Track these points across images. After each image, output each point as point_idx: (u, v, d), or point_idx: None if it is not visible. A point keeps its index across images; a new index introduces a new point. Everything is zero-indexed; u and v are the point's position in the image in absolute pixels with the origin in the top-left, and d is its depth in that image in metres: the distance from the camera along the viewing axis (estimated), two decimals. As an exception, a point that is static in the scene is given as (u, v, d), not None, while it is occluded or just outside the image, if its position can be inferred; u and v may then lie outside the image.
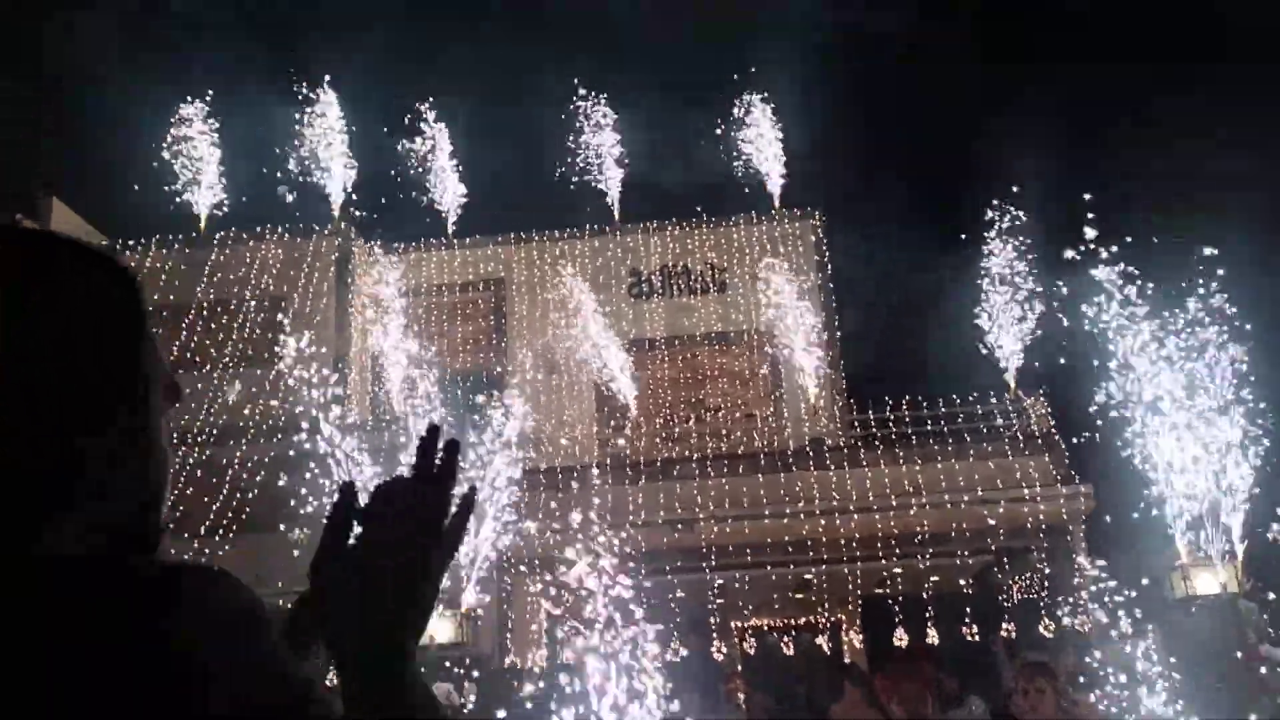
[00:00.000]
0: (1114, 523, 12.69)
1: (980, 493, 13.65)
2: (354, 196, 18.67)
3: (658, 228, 19.76)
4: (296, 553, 12.66)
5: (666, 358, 19.11)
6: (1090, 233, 10.84)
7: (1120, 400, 11.16)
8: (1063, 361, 13.52)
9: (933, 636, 13.38)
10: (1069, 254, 10.63)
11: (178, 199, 18.52)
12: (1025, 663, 6.18)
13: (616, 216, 20.08)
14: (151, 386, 0.98)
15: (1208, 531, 10.20)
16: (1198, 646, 9.51)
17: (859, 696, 10.95)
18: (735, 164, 19.95)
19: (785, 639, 16.94)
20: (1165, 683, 8.33)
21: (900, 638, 13.47)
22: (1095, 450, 12.17)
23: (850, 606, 17.19)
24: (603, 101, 20.39)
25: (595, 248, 19.72)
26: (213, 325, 16.88)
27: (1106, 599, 10.62)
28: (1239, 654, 8.74)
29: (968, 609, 13.62)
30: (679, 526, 14.11)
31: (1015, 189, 16.19)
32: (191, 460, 14.87)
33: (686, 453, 16.15)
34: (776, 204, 19.66)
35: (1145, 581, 11.16)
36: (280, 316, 16.33)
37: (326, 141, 18.56)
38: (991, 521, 13.50)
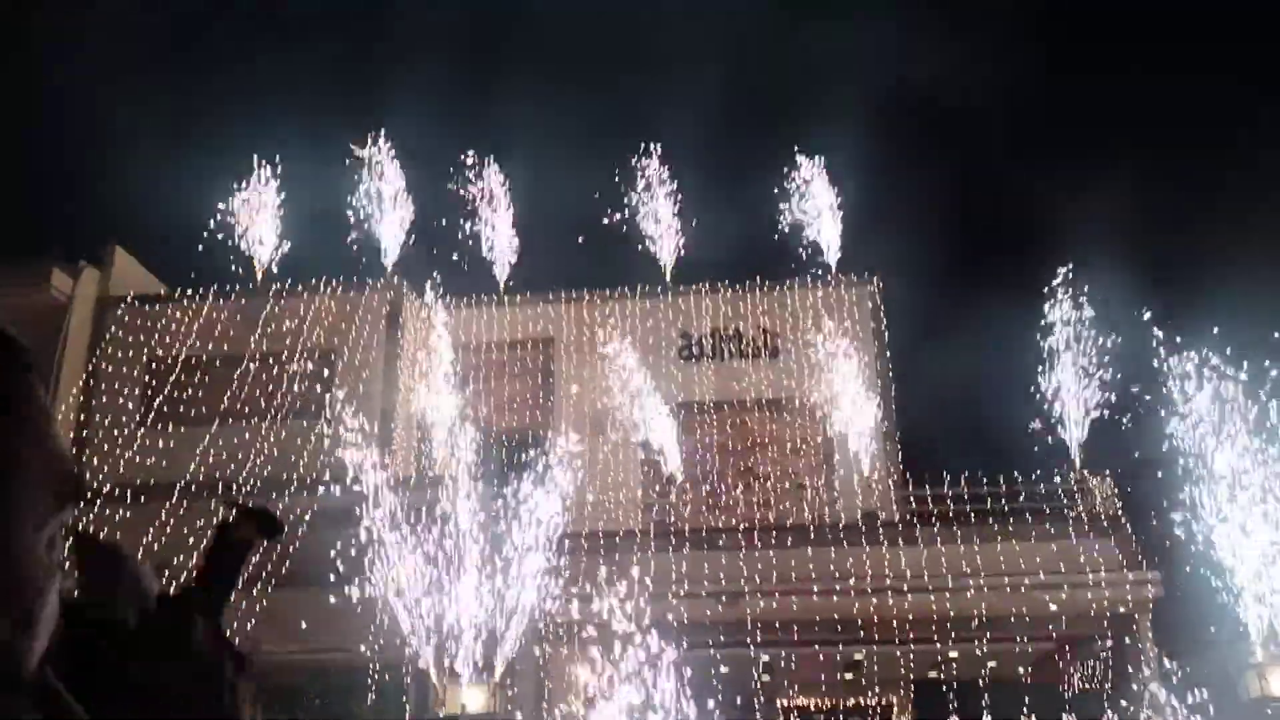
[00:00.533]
0: (1183, 615, 12.05)
1: (1042, 576, 13.01)
2: (407, 249, 18.72)
3: (710, 290, 19.51)
4: (335, 608, 12.45)
5: (715, 423, 18.75)
6: (1163, 301, 10.40)
7: (1193, 485, 10.63)
8: (1135, 452, 13.00)
9: (989, 727, 12.74)
10: (1155, 333, 10.15)
11: (236, 248, 18.70)
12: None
13: (668, 277, 19.89)
14: (17, 476, 0.76)
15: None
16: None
17: None
18: (791, 227, 19.71)
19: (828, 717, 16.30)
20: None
21: (954, 727, 12.84)
22: (1165, 537, 11.59)
23: (902, 690, 16.50)
24: (657, 159, 20.31)
25: (645, 308, 19.50)
26: (263, 376, 16.88)
27: (1175, 696, 10.02)
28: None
29: (1026, 698, 12.94)
30: (723, 599, 13.66)
31: (1084, 259, 15.75)
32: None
33: (733, 522, 15.72)
34: (833, 268, 19.33)
35: (1213, 677, 10.52)
36: (329, 370, 16.31)
37: (381, 194, 18.69)
38: (1053, 607, 12.86)
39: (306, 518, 13.94)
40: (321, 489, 14.22)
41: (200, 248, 18.53)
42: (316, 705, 10.90)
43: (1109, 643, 13.05)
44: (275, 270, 18.75)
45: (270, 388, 16.65)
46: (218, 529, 0.96)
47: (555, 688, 13.72)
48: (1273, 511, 9.88)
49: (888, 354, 18.53)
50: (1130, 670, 12.76)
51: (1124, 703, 12.49)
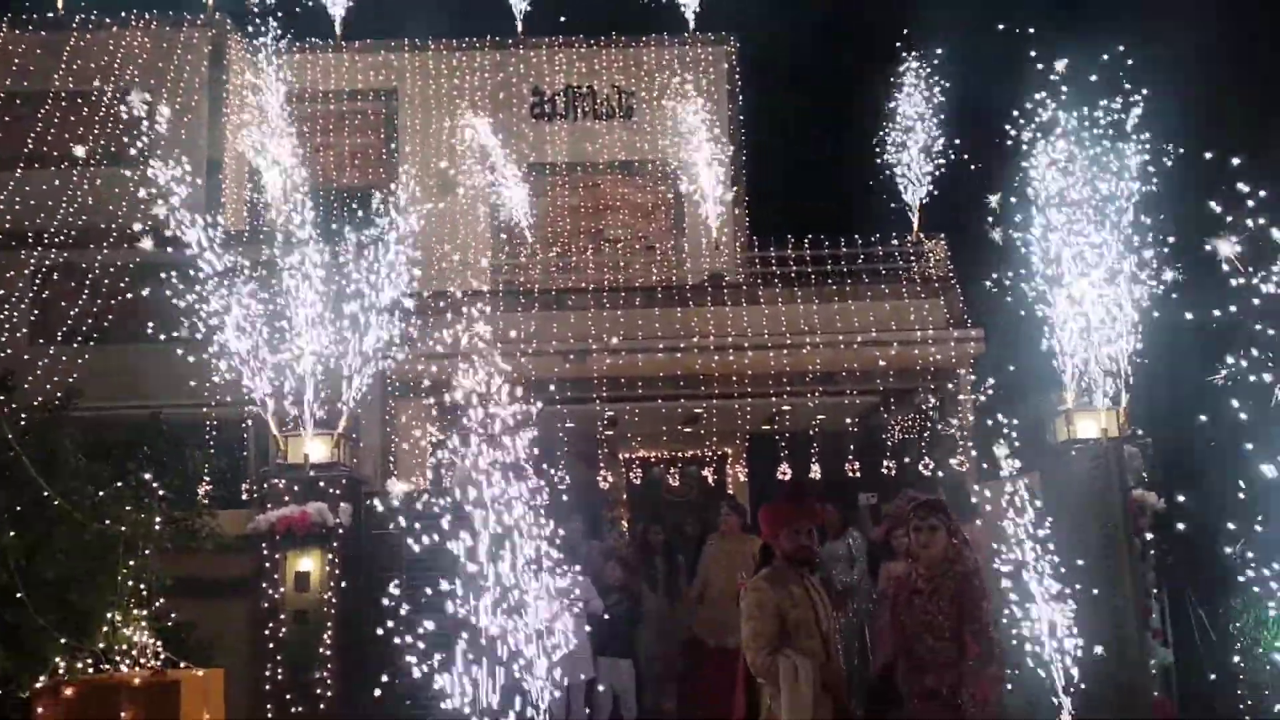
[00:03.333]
0: (1005, 368, 12.76)
1: (874, 334, 13.61)
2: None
3: (563, 44, 18.68)
4: (166, 362, 11.94)
5: (567, 184, 18.40)
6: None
7: (1020, 240, 10.96)
8: (969, 214, 13.32)
9: (815, 472, 13.52)
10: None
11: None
12: (919, 501, 6.04)
13: (520, 29, 18.89)
14: None
15: (1093, 376, 10.21)
16: (1074, 489, 9.69)
17: (735, 523, 10.98)
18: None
19: (671, 470, 17.05)
20: (1040, 524, 8.36)
21: (784, 472, 13.57)
22: (994, 295, 12.09)
23: (738, 442, 17.32)
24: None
25: (496, 61, 18.59)
26: (71, 117, 15.43)
27: (988, 441, 10.70)
28: (1117, 495, 8.91)
29: (851, 447, 13.76)
30: (570, 356, 13.77)
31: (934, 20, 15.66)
32: (48, 264, 13.78)
33: (583, 283, 15.68)
34: (691, 27, 18.72)
35: (1023, 425, 11.26)
36: (146, 110, 14.96)
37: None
38: (882, 363, 13.52)
39: (129, 269, 13.16)
40: (144, 241, 13.37)
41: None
42: (149, 457, 10.55)
43: (931, 395, 13.88)
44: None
45: (80, 130, 15.26)
46: None
47: (401, 441, 13.79)
48: (1088, 265, 10.28)
49: (741, 117, 18.34)
50: (948, 420, 13.68)
51: (940, 449, 13.44)
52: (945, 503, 6.01)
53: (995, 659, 5.15)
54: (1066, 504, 9.41)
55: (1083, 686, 6.62)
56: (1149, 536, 9.34)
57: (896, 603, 5.66)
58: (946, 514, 5.61)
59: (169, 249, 11.89)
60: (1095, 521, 9.06)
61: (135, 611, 6.86)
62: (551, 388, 12.25)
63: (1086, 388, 10.16)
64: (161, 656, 7.00)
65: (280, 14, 16.10)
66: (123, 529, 6.96)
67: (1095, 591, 8.08)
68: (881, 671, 5.82)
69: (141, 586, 6.97)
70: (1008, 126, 10.72)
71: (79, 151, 14.46)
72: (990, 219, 11.04)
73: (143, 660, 6.86)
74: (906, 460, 13.72)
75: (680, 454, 17.58)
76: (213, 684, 6.94)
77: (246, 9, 15.90)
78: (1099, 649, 6.91)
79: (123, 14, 16.15)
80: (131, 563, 6.94)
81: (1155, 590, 9.21)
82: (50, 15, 16.46)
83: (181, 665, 6.99)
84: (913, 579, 5.55)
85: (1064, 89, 10.27)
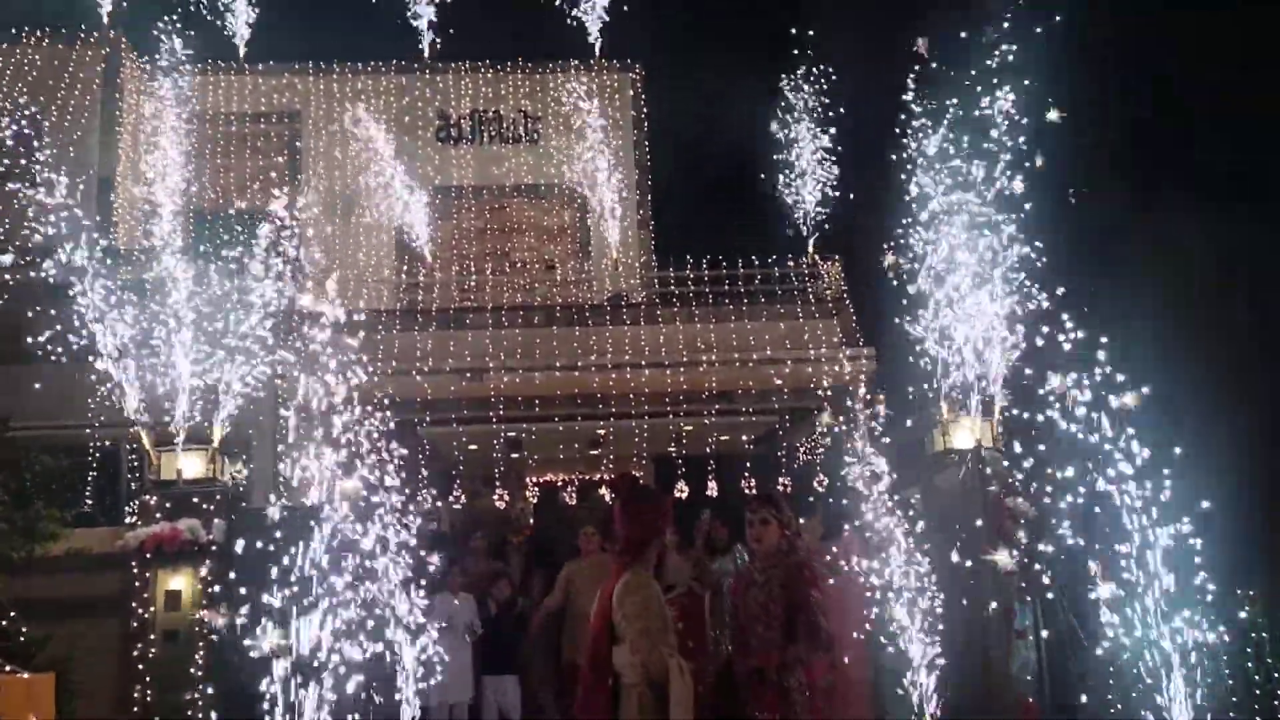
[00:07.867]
0: (896, 385, 12.94)
1: (769, 353, 13.78)
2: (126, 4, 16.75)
3: (470, 68, 18.76)
4: (38, 385, 11.60)
5: (474, 207, 18.41)
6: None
7: (910, 263, 11.15)
8: (862, 235, 13.57)
9: (713, 490, 13.59)
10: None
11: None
12: (753, 497, 6.12)
13: (426, 53, 18.91)
14: None
15: (969, 387, 10.37)
16: (948, 497, 9.85)
17: (597, 544, 10.91)
18: (558, 7, 19.00)
19: (568, 490, 17.00)
20: (918, 531, 8.47)
21: (681, 489, 13.62)
22: (884, 314, 12.30)
23: (641, 464, 17.33)
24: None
25: (401, 85, 18.59)
26: (-45, 133, 15.03)
27: (877, 458, 10.81)
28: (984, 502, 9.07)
29: (749, 465, 13.88)
30: (467, 375, 13.70)
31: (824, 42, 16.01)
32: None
33: (483, 303, 15.66)
34: (597, 53, 18.92)
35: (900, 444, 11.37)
36: (35, 129, 14.67)
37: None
38: (778, 382, 13.68)
39: (8, 286, 12.80)
40: (24, 259, 13.02)
41: None
42: (29, 480, 10.21)
43: (824, 415, 14.05)
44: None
45: (-37, 146, 14.87)
46: None
47: (297, 458, 13.53)
48: (964, 282, 10.47)
49: (646, 143, 18.54)
50: (843, 439, 13.83)
51: (836, 469, 13.58)
52: (778, 497, 6.07)
53: (822, 645, 5.21)
54: (943, 514, 9.57)
55: (946, 688, 6.74)
56: (1023, 543, 9.49)
57: (735, 594, 5.71)
58: (779, 508, 5.68)
59: (54, 268, 11.59)
60: (967, 530, 9.20)
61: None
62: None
63: (961, 400, 10.32)
64: (-14, 661, 6.76)
65: (181, 33, 15.94)
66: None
67: (962, 597, 8.23)
68: (723, 666, 5.84)
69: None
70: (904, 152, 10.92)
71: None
72: (886, 244, 11.20)
73: (-33, 666, 6.62)
74: (802, 479, 13.85)
75: (585, 477, 17.54)
76: (40, 688, 6.72)
77: (145, 27, 15.72)
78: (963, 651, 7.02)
79: (12, 31, 15.81)
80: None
81: (1027, 594, 9.35)
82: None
83: (6, 670, 6.75)
84: (749, 572, 5.61)
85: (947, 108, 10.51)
